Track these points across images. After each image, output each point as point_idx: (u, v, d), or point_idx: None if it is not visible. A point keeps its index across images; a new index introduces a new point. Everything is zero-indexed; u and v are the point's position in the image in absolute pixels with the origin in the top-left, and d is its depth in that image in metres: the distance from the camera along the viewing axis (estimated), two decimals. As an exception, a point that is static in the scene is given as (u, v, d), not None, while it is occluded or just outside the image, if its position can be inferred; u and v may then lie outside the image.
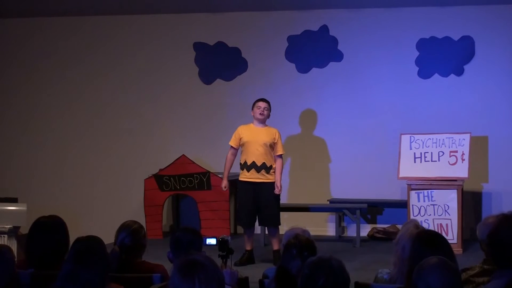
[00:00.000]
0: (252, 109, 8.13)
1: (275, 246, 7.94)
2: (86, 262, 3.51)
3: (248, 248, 8.08)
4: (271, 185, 7.95)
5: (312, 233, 4.70)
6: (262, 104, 8.07)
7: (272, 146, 8.01)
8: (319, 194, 10.20)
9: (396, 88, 10.16)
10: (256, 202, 7.96)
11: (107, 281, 3.63)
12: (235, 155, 8.15)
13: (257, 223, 8.17)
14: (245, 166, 7.98)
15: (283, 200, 9.95)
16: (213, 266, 3.00)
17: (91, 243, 3.75)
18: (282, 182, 8.09)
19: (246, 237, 8.09)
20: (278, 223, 8.08)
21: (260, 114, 8.03)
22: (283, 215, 9.62)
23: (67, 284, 3.47)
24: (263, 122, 8.07)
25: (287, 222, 9.28)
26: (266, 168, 7.95)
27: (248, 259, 8.02)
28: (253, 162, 7.94)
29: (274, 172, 7.99)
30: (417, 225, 4.27)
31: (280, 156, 8.07)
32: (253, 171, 7.94)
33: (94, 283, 3.48)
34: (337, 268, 3.31)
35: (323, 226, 10.21)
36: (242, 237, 8.32)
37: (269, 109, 8.10)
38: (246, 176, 7.97)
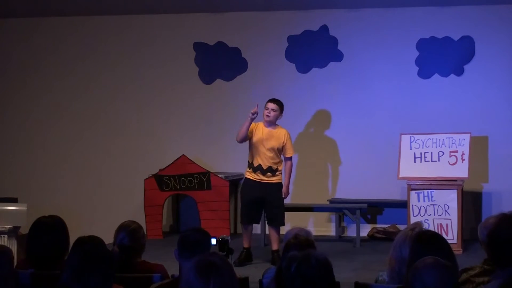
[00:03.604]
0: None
1: (274, 246, 7.93)
2: (93, 263, 3.49)
3: (246, 245, 8.04)
4: (276, 185, 7.95)
5: (312, 233, 4.69)
6: (270, 105, 7.97)
7: (280, 149, 7.97)
8: (319, 194, 10.20)
9: (396, 88, 10.16)
10: (260, 200, 7.95)
11: (112, 282, 3.62)
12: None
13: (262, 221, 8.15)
14: (251, 167, 7.97)
15: (284, 200, 9.97)
16: (230, 270, 3.02)
17: (96, 244, 3.75)
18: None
19: (245, 234, 8.04)
20: (281, 223, 8.05)
21: (266, 115, 7.96)
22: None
23: (72, 285, 3.46)
24: (271, 123, 7.99)
25: (287, 222, 9.28)
26: (272, 171, 7.93)
27: (246, 257, 8.00)
28: (259, 165, 7.91)
29: (280, 173, 7.98)
30: (413, 227, 4.23)
31: (290, 158, 8.04)
32: (259, 173, 7.93)
33: (101, 284, 3.47)
34: (313, 257, 3.13)
35: (323, 226, 10.21)
36: (242, 237, 8.23)
37: (279, 110, 7.95)
38: (252, 176, 7.97)
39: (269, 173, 7.92)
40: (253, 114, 7.78)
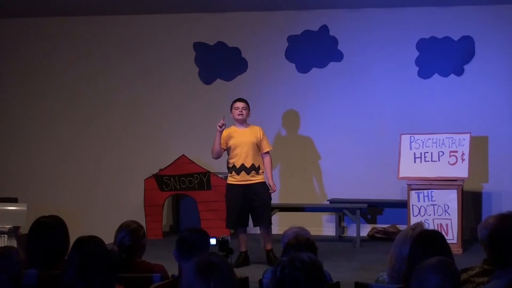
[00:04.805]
0: (231, 110, 8.04)
1: (268, 246, 7.91)
2: (96, 263, 3.48)
3: (243, 249, 7.98)
4: (261, 184, 7.90)
5: (312, 233, 4.68)
6: (239, 104, 7.97)
7: (258, 145, 7.96)
8: (319, 194, 10.20)
9: (396, 88, 10.16)
10: (247, 202, 7.86)
11: (114, 282, 3.62)
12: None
13: (250, 223, 8.08)
14: (234, 169, 7.89)
15: (284, 200, 9.97)
16: (230, 270, 3.01)
17: (98, 244, 3.74)
18: (276, 182, 8.00)
19: (240, 238, 7.99)
20: (270, 222, 8.01)
21: (238, 114, 7.94)
22: (284, 216, 9.64)
23: (76, 284, 3.45)
24: (243, 122, 7.99)
25: (287, 223, 9.25)
26: (255, 169, 7.89)
27: (244, 260, 7.94)
28: (242, 164, 7.86)
29: (263, 172, 7.96)
30: (414, 227, 4.22)
31: (267, 153, 8.02)
32: (243, 173, 7.86)
33: (104, 284, 3.47)
34: (298, 260, 3.08)
35: (323, 226, 10.21)
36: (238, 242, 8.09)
37: (248, 108, 7.99)
38: (236, 179, 7.88)
39: (253, 171, 7.87)
40: (220, 127, 7.84)
